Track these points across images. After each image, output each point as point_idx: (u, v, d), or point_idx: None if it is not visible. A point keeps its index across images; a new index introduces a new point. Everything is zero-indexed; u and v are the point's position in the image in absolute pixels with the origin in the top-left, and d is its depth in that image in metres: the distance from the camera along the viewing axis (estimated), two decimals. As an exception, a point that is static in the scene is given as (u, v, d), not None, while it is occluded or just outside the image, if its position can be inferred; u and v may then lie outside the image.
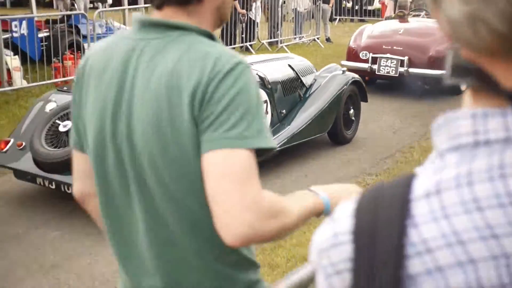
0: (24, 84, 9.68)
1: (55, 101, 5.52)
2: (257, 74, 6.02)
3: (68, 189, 4.94)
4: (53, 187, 5.04)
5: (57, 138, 5.11)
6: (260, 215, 1.27)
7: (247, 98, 1.32)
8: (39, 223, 4.92)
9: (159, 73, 1.37)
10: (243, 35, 14.59)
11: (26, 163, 5.16)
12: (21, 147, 5.29)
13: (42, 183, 5.11)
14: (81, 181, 1.62)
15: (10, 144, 5.37)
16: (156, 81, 1.36)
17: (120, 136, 1.43)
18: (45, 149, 5.01)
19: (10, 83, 9.51)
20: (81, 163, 1.59)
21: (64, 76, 10.05)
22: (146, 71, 1.39)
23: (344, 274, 0.74)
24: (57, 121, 5.19)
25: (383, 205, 0.73)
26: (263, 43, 15.22)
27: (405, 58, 9.16)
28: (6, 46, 9.70)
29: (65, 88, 5.89)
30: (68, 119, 5.17)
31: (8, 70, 9.51)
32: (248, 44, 14.63)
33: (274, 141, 1.38)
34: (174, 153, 1.36)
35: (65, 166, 4.88)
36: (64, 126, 5.12)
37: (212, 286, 1.48)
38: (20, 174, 5.26)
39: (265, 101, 6.10)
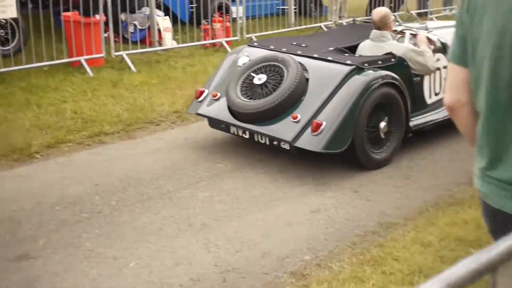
0: (174, 44, 10.06)
1: (247, 55, 5.73)
2: (438, 39, 6.01)
3: (262, 139, 5.15)
4: (247, 136, 5.28)
5: (251, 90, 5.31)
6: None
7: None
8: (188, 183, 4.96)
9: None
10: (392, 4, 14.05)
11: (221, 113, 5.43)
12: (216, 98, 5.55)
13: (235, 132, 5.36)
14: (456, 91, 1.88)
15: (205, 94, 5.64)
16: None
17: None
18: (241, 100, 5.24)
19: (160, 43, 9.92)
20: (459, 76, 1.86)
21: (212, 38, 10.37)
22: None
23: None
24: (252, 74, 5.39)
25: None
26: (411, 14, 14.72)
27: None
28: (158, 8, 10.10)
29: (255, 43, 6.09)
30: (261, 72, 5.35)
31: (159, 31, 9.92)
32: (396, 14, 14.16)
33: None
34: None
35: (259, 117, 5.11)
36: (258, 79, 5.32)
37: None
38: (214, 123, 5.55)
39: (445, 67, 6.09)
